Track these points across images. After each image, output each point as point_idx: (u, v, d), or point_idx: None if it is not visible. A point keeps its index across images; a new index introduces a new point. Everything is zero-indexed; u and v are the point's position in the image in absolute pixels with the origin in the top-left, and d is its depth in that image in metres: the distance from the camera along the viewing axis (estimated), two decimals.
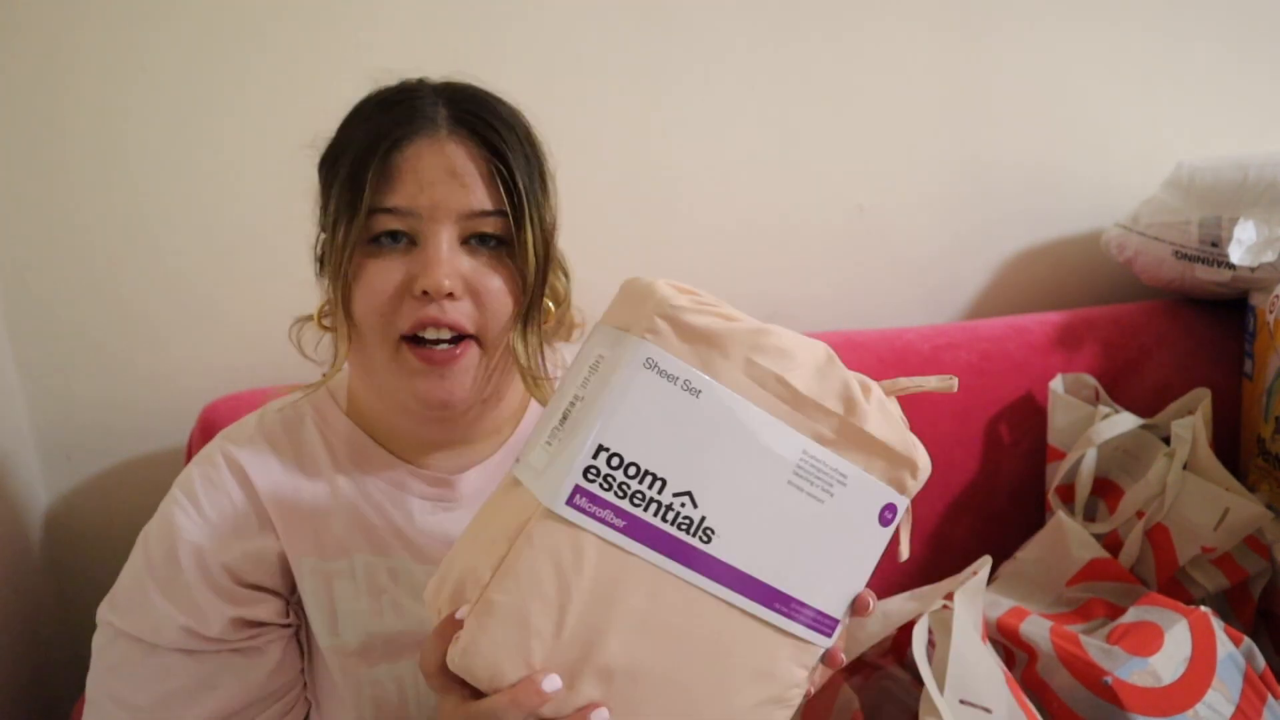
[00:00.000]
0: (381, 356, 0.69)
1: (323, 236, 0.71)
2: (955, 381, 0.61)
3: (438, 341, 0.68)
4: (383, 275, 0.67)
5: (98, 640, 0.72)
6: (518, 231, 0.68)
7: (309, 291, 0.75)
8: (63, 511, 1.16)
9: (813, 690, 0.64)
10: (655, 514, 0.54)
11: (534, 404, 0.81)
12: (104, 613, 0.72)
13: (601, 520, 0.53)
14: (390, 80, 0.73)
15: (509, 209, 0.68)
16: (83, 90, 1.04)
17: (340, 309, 0.69)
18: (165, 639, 0.69)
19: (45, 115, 1.04)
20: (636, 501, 0.53)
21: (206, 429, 1.03)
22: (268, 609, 0.72)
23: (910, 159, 1.31)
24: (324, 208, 0.71)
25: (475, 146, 0.68)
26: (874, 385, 0.60)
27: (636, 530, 0.53)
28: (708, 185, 1.25)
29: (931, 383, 0.62)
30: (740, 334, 0.55)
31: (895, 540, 0.63)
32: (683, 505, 0.54)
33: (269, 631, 0.72)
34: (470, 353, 0.69)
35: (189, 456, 1.05)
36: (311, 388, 0.75)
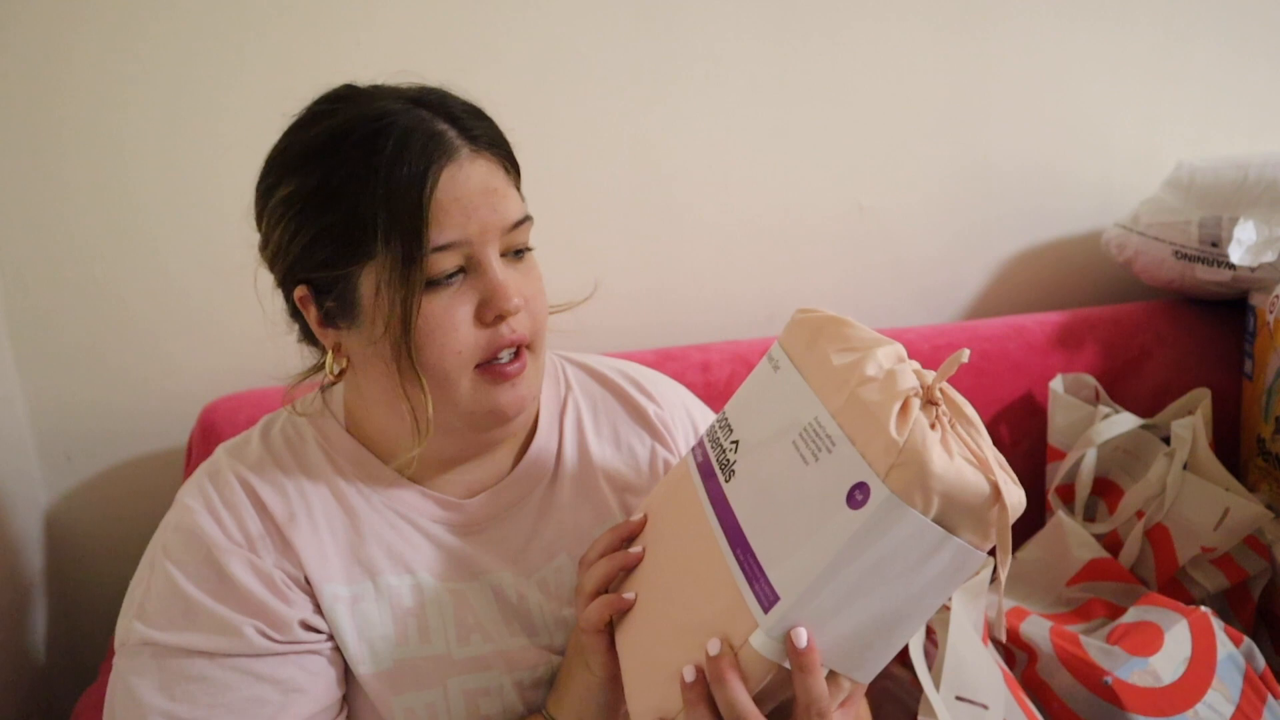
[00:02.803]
0: (460, 391, 0.68)
1: (301, 291, 0.68)
2: (965, 353, 0.57)
3: (507, 359, 0.69)
4: (453, 313, 0.66)
5: (129, 664, 0.66)
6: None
7: None
8: (63, 512, 1.16)
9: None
10: (714, 449, 0.66)
11: (541, 421, 0.79)
12: (138, 631, 0.66)
13: (694, 456, 0.68)
14: (320, 102, 0.69)
15: (525, 206, 0.70)
16: (81, 93, 1.04)
17: (407, 359, 0.66)
18: (229, 646, 0.65)
19: (44, 118, 1.04)
20: (713, 443, 0.66)
21: (206, 430, 1.03)
22: (318, 620, 0.69)
23: (910, 159, 1.32)
24: (323, 259, 0.66)
25: (491, 158, 0.68)
26: (911, 367, 0.58)
27: (701, 463, 0.66)
28: (708, 185, 1.25)
29: (946, 370, 0.57)
30: (825, 326, 0.63)
31: None
32: (729, 446, 0.64)
33: (326, 640, 0.70)
34: (526, 356, 0.70)
35: (189, 457, 1.05)
36: (409, 459, 0.71)
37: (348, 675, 0.71)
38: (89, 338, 1.11)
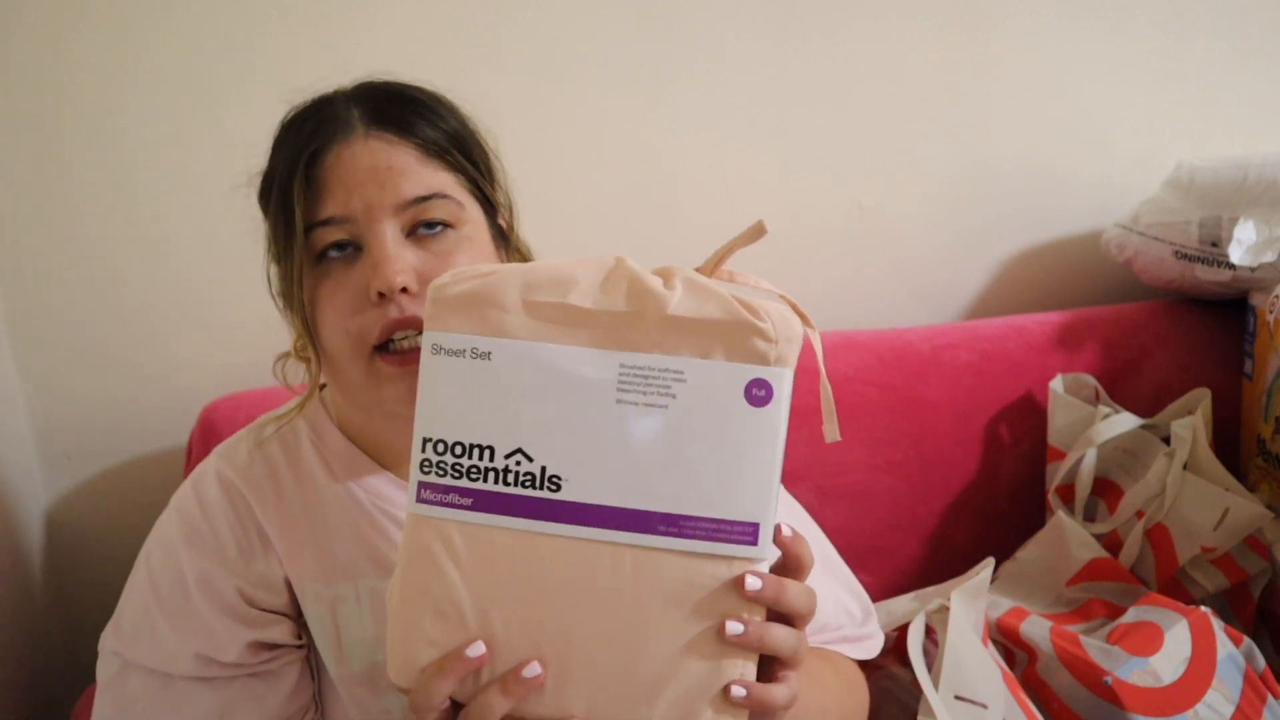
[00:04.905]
0: (357, 374, 0.67)
1: (275, 269, 0.70)
2: (762, 224, 0.60)
3: (409, 345, 0.65)
4: (338, 292, 0.66)
5: (104, 672, 0.70)
6: (465, 205, 0.68)
7: None
8: (63, 511, 1.16)
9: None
10: (496, 481, 0.55)
11: None
12: (109, 643, 0.70)
13: (450, 505, 0.55)
14: (304, 97, 0.71)
15: (454, 186, 0.67)
16: (83, 90, 1.04)
17: (308, 338, 0.68)
18: (179, 668, 0.67)
19: (46, 115, 1.04)
20: (474, 476, 0.55)
21: (206, 429, 1.03)
22: (281, 631, 0.70)
23: (910, 159, 1.31)
24: (270, 239, 0.70)
25: (396, 137, 0.66)
26: (680, 269, 0.58)
27: (484, 503, 0.55)
28: (708, 185, 1.25)
29: (737, 241, 0.61)
30: (504, 281, 0.55)
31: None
32: (518, 464, 0.55)
33: (285, 654, 0.70)
34: None
35: (189, 456, 1.05)
36: (286, 418, 0.74)
37: (322, 677, 0.71)
38: (90, 335, 1.11)
